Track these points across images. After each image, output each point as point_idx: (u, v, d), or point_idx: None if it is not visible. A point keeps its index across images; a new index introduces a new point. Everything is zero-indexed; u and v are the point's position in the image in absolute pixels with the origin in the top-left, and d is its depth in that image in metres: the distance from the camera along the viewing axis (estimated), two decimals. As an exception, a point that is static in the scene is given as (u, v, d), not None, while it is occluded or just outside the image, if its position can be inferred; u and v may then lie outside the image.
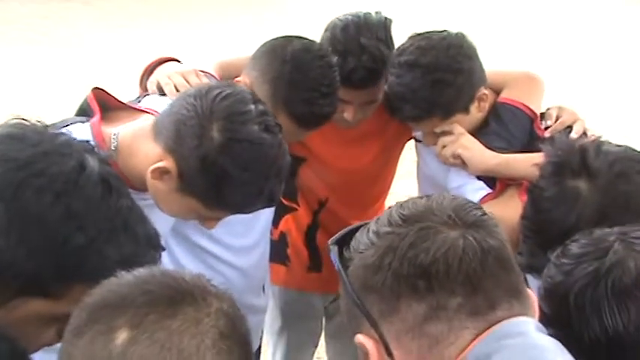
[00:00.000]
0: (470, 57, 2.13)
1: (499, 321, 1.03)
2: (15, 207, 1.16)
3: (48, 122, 1.68)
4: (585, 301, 1.21)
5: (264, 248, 2.29)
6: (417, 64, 2.07)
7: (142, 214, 1.29)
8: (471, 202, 1.13)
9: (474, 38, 2.19)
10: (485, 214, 1.10)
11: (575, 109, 2.22)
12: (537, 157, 1.78)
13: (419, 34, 2.16)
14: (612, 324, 1.19)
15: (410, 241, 1.04)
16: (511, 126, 2.13)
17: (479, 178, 2.12)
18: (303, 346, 2.82)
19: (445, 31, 2.17)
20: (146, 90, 2.03)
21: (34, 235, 1.16)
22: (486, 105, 2.15)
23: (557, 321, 1.21)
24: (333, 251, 1.13)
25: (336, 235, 1.15)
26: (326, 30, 2.25)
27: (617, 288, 1.20)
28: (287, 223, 2.55)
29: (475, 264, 1.03)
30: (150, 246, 1.28)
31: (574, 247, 1.30)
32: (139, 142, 1.66)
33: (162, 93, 1.95)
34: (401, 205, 1.11)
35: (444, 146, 2.13)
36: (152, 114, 1.76)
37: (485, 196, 2.08)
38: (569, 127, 2.12)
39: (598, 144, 1.67)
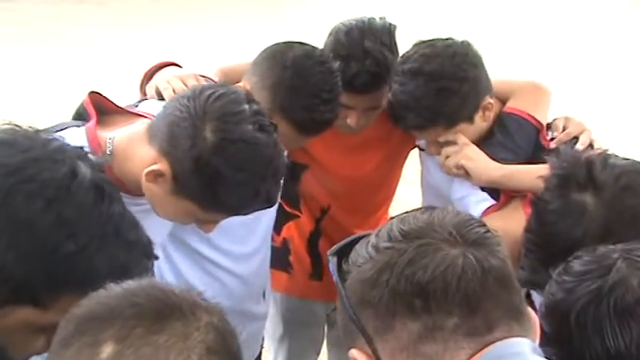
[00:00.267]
0: (475, 65, 2.10)
1: (495, 342, 1.00)
2: (5, 213, 1.16)
3: (51, 125, 1.69)
4: (587, 320, 1.19)
5: (265, 255, 2.27)
6: (420, 72, 2.04)
7: (134, 221, 1.28)
8: (475, 218, 1.10)
9: (479, 46, 2.16)
10: (488, 231, 1.06)
11: (582, 119, 2.18)
12: (542, 169, 1.74)
13: (423, 42, 2.13)
14: (614, 344, 1.17)
15: (408, 258, 1.02)
16: (517, 137, 2.10)
17: (483, 189, 2.09)
18: (304, 354, 2.81)
19: (450, 38, 2.14)
20: (146, 95, 2.02)
21: (23, 241, 1.15)
22: (491, 114, 2.12)
23: (558, 339, 1.20)
24: (332, 263, 1.10)
25: (336, 245, 1.13)
26: (330, 34, 2.23)
27: (620, 307, 1.18)
28: (289, 230, 2.53)
29: (474, 284, 1.00)
30: (142, 254, 1.27)
31: (576, 265, 1.28)
32: (134, 146, 1.65)
33: (161, 97, 1.94)
34: (402, 219, 1.08)
35: (447, 156, 2.10)
36: (149, 118, 1.75)
37: (488, 208, 2.05)
38: (576, 138, 2.09)
39: (604, 156, 1.64)
